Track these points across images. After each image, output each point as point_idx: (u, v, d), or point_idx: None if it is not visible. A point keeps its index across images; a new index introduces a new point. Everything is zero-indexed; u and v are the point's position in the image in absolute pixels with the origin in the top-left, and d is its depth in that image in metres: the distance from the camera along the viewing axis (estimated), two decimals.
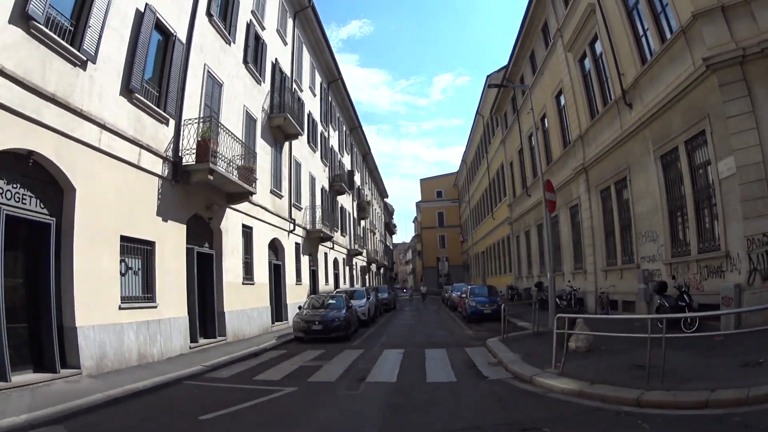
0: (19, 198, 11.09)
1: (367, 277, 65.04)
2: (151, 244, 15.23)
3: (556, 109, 28.43)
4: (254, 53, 23.87)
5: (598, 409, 8.54)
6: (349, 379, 12.51)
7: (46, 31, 11.09)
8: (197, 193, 17.81)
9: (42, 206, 11.70)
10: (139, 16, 14.57)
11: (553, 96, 28.46)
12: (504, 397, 9.93)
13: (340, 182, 42.14)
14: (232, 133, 19.52)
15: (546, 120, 30.55)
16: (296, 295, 29.77)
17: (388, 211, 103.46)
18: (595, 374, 10.33)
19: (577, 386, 9.68)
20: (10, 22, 10.23)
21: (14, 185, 10.98)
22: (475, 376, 12.26)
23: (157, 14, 15.42)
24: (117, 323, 13.36)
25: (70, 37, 12.01)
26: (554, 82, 27.79)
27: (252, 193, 20.86)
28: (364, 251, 60.04)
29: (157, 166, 15.56)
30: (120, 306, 13.60)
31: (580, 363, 11.47)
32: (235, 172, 18.85)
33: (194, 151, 16.93)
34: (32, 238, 11.53)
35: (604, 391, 9.13)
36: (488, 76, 46.73)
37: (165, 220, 15.86)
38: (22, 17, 10.45)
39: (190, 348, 16.86)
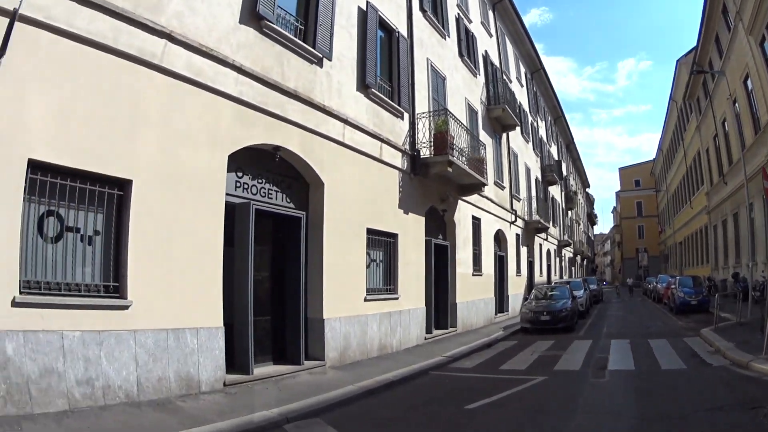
0: (264, 193, 10.66)
1: (573, 268, 61.56)
2: (394, 236, 14.51)
3: (745, 93, 24.38)
4: (467, 46, 22.40)
5: None
6: (592, 367, 12.01)
7: (279, 29, 10.55)
8: (433, 185, 16.92)
9: (288, 200, 11.23)
10: (363, 14, 13.78)
11: (741, 80, 24.36)
12: (730, 382, 9.79)
13: (551, 172, 39.42)
14: (464, 126, 18.42)
15: (737, 105, 26.32)
16: (516, 286, 28.23)
17: (590, 201, 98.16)
18: None
19: None
20: (240, 22, 9.73)
21: (259, 180, 10.58)
22: (700, 364, 11.91)
23: (379, 12, 14.54)
24: (362, 315, 12.79)
25: (301, 35, 11.43)
26: (740, 66, 23.86)
27: (484, 185, 19.68)
28: (572, 242, 56.62)
29: (397, 159, 14.76)
30: (365, 298, 12.98)
31: None
32: (466, 164, 17.56)
33: (429, 143, 16.01)
34: (279, 232, 10.98)
35: None
36: (678, 61, 41.20)
37: (406, 212, 15.08)
38: (252, 17, 9.97)
39: (425, 339, 16.02)
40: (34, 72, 6.74)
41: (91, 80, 7.31)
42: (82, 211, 7.41)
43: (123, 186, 7.76)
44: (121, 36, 7.57)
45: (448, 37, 20.33)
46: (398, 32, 15.63)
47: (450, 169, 15.92)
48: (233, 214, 9.57)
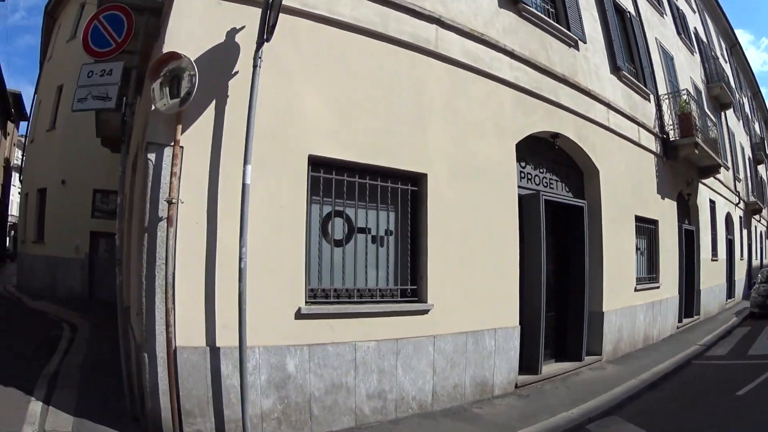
0: (546, 183, 9.42)
1: None
2: (655, 222, 12.69)
3: None
4: (681, 24, 19.61)
5: None
6: None
7: (536, 12, 9.22)
8: (680, 168, 14.75)
9: (567, 190, 9.87)
10: None
11: None
12: None
13: (759, 151, 34.17)
14: (701, 106, 16.15)
15: None
16: (740, 271, 24.80)
17: None
18: None
19: None
20: (500, 6, 8.48)
21: (540, 170, 9.32)
22: None
23: None
24: (632, 306, 11.20)
25: (554, 18, 10.00)
26: None
27: (721, 166, 17.10)
28: None
29: (651, 142, 12.85)
30: (635, 288, 11.38)
31: None
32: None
33: (674, 125, 14.03)
34: (559, 223, 9.65)
35: None
36: None
37: (663, 198, 13.16)
38: (509, 0, 8.67)
39: (677, 328, 14.11)
40: (300, 61, 5.94)
41: (366, 69, 6.43)
42: (373, 210, 6.55)
43: (417, 181, 6.86)
44: (389, 22, 6.64)
45: (666, 15, 17.77)
46: (629, 12, 13.63)
47: (696, 152, 13.86)
48: (521, 205, 8.42)
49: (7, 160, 38.09)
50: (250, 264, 5.16)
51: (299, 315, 5.67)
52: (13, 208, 41.02)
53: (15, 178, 37.85)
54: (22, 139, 35.52)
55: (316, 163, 6.03)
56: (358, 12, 6.41)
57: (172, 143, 5.18)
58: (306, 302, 5.79)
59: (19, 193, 27.60)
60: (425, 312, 6.68)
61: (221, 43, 5.52)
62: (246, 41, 5.54)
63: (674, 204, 14.05)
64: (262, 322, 5.36)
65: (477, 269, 7.30)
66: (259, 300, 5.30)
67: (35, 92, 22.88)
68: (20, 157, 32.44)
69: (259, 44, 5.36)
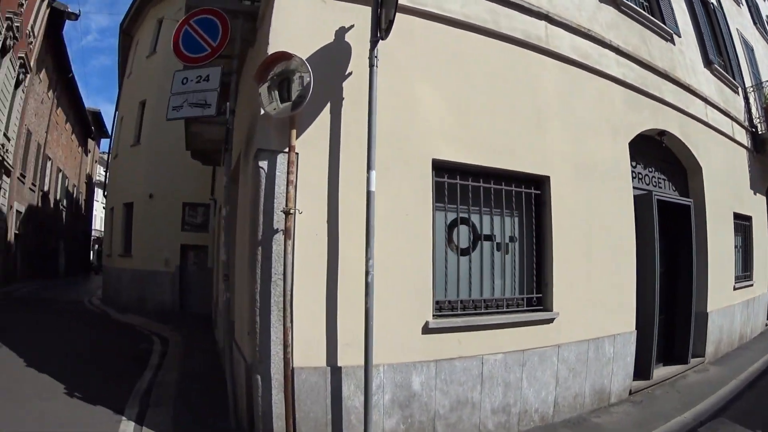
0: (656, 182, 8.90)
1: None
2: (749, 219, 11.90)
3: None
4: (755, 13, 18.40)
5: None
6: None
7: (633, 6, 8.64)
8: (766, 162, 13.69)
9: (673, 188, 9.34)
10: None
11: None
12: None
13: None
14: None
15: None
16: None
17: None
18: None
19: None
20: (600, 0, 7.90)
21: (649, 169, 8.80)
22: None
23: None
24: (730, 305, 10.49)
25: (648, 11, 9.41)
26: None
27: None
28: None
29: (742, 136, 12.10)
30: (734, 287, 10.69)
31: None
32: None
33: (761, 118, 13.13)
34: (667, 223, 9.00)
35: None
36: None
37: (755, 193, 12.39)
38: None
39: (765, 324, 13.21)
40: (415, 61, 5.55)
41: (481, 68, 6.01)
42: (497, 216, 6.17)
43: (539, 184, 6.46)
44: (500, 19, 6.22)
45: (742, 4, 16.84)
46: (712, 4, 12.93)
47: None
48: (635, 206, 7.87)
49: (90, 177, 39.20)
50: (375, 277, 4.76)
51: (426, 329, 5.32)
52: (96, 223, 42.13)
53: (98, 193, 38.83)
54: (104, 156, 36.43)
55: (439, 167, 5.70)
56: (468, 9, 6.05)
57: (286, 149, 4.82)
58: (433, 316, 5.45)
59: (103, 207, 28.02)
60: (551, 321, 6.31)
61: (330, 44, 5.17)
62: (357, 40, 5.21)
63: (764, 199, 13.26)
64: (387, 338, 5.00)
65: (598, 274, 6.90)
66: (383, 315, 4.90)
67: (116, 109, 23.23)
68: (102, 173, 33.11)
69: (374, 43, 4.94)
